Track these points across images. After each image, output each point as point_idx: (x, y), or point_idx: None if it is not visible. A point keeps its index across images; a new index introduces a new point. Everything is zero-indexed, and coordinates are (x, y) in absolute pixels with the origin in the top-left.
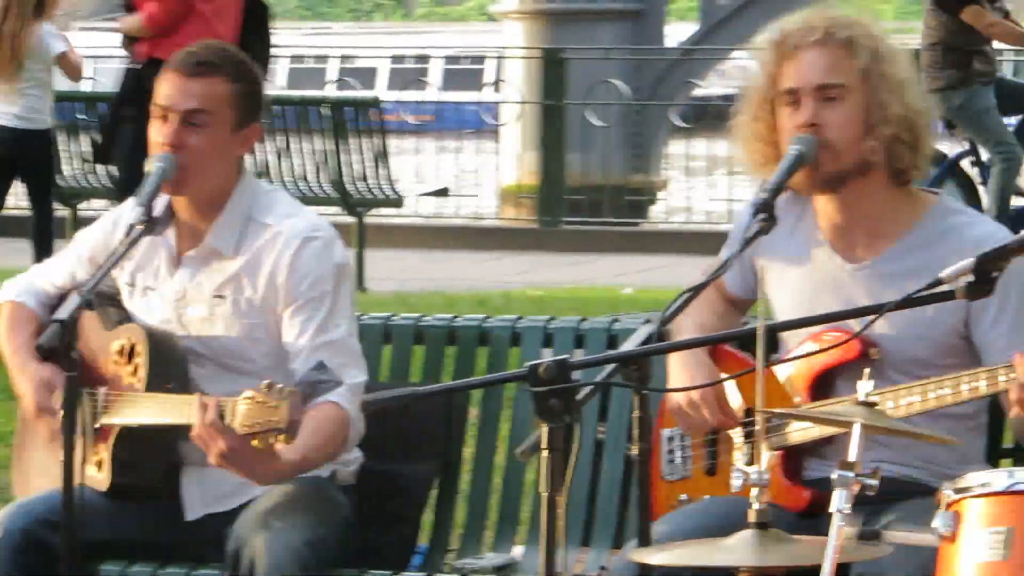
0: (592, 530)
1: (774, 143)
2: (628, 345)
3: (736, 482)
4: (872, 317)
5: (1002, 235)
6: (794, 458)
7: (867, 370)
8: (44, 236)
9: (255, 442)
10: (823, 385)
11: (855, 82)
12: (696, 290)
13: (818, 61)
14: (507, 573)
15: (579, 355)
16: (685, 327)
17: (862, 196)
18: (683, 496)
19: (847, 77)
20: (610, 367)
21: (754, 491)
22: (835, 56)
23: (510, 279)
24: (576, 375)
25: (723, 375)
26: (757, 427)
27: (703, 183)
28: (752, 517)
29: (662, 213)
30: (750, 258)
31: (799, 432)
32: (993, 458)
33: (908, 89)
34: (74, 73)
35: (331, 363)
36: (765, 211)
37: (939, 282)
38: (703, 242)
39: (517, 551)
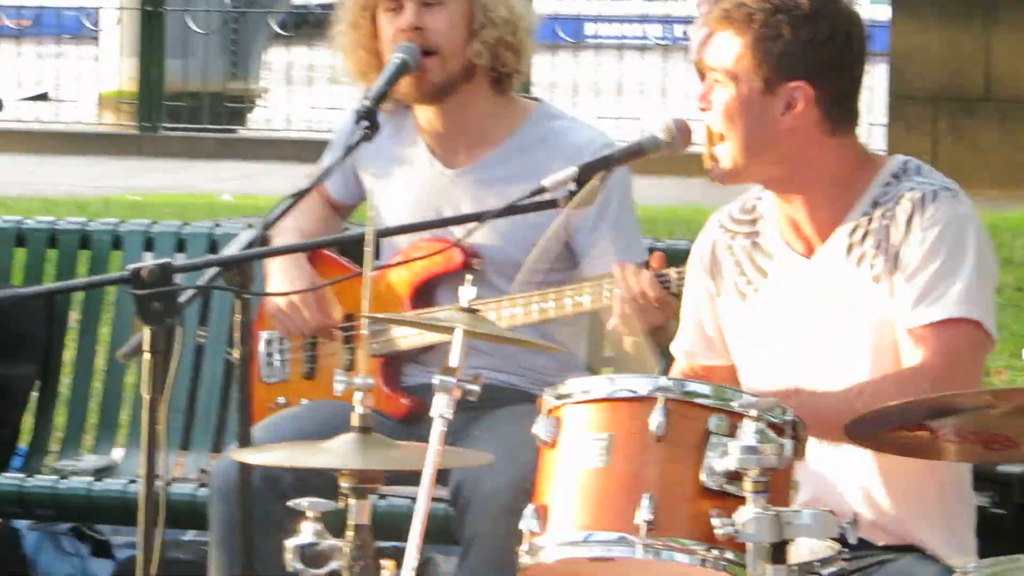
0: (192, 434)
1: (376, 51)
2: (230, 249)
3: (339, 387)
4: (473, 225)
5: (602, 141)
6: (393, 365)
7: (469, 277)
8: None
9: None
10: (425, 294)
11: None
12: (298, 196)
13: None
14: (107, 475)
15: (181, 259)
16: (287, 232)
17: (465, 103)
18: (281, 399)
19: None
20: (212, 271)
21: (358, 395)
22: None
23: (110, 184)
24: (178, 279)
25: (325, 280)
26: (361, 331)
27: (303, 92)
28: (355, 421)
29: (262, 121)
30: (353, 165)
31: (402, 340)
32: (595, 366)
33: None
34: None
35: None
36: (368, 118)
37: (542, 190)
38: (302, 149)
39: (117, 453)
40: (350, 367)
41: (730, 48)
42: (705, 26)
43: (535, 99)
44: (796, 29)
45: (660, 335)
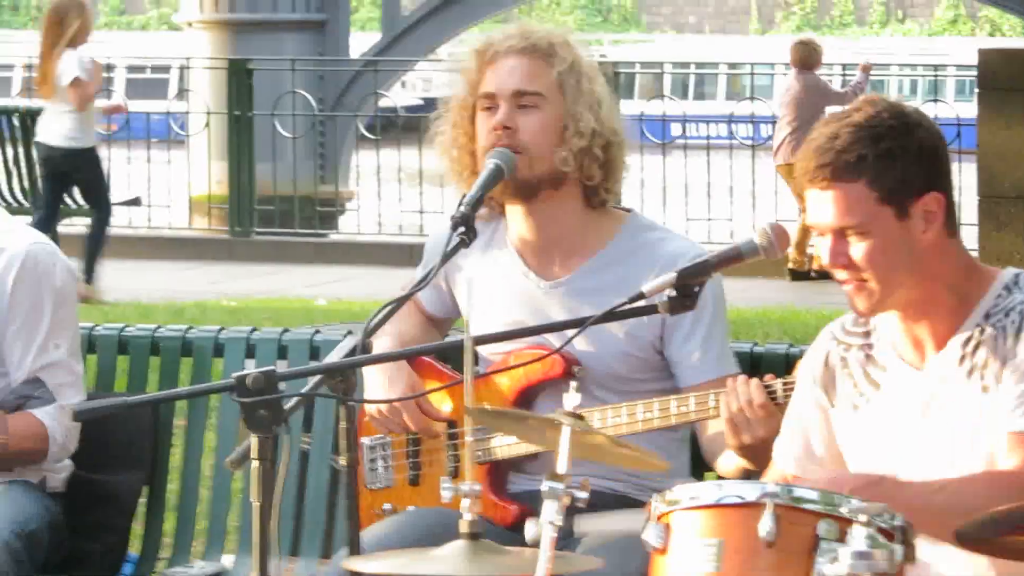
0: (300, 540)
1: (473, 152)
2: (333, 357)
3: (446, 494)
4: (574, 332)
5: (695, 252)
6: (498, 472)
7: (573, 383)
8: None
9: None
10: (526, 402)
11: (552, 91)
12: (399, 302)
13: (517, 68)
14: None
15: (283, 366)
16: (385, 337)
17: (555, 213)
18: (387, 505)
19: (544, 86)
20: (316, 378)
21: (465, 502)
22: (534, 65)
23: (204, 289)
24: (283, 386)
25: (424, 384)
26: (467, 436)
27: (393, 194)
28: (464, 528)
29: (352, 224)
30: (445, 278)
31: (504, 447)
32: (698, 471)
33: (603, 105)
34: (79, 102)
35: (50, 382)
36: (464, 224)
37: (641, 296)
38: (393, 253)
39: (227, 560)
40: (455, 474)
41: (848, 201)
42: (807, 189)
43: (627, 209)
44: (903, 144)
45: (760, 452)
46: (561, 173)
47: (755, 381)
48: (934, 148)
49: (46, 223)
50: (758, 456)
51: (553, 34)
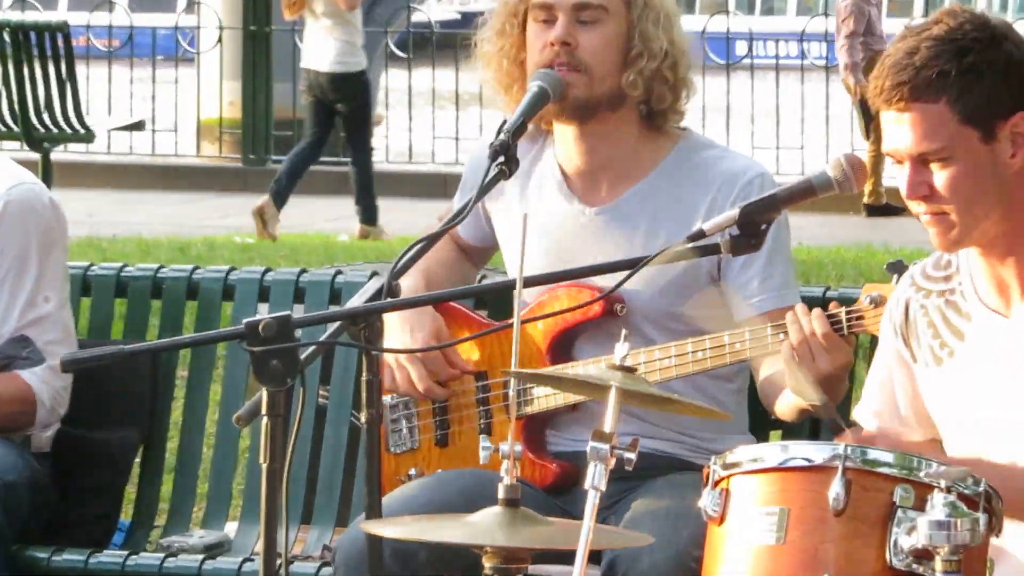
0: (314, 507)
1: (521, 63)
2: (355, 301)
3: (484, 454)
4: (626, 274)
5: (757, 171)
6: (535, 428)
7: (624, 331)
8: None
9: None
10: (565, 345)
11: (616, 4)
12: (429, 240)
13: None
14: (218, 552)
15: (299, 312)
16: (412, 276)
17: (610, 134)
18: (412, 471)
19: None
20: (335, 325)
21: (505, 464)
22: None
23: (214, 224)
24: (298, 333)
25: (453, 335)
26: (513, 389)
27: (425, 119)
28: (502, 493)
29: (381, 152)
30: (483, 203)
31: (542, 399)
32: (760, 429)
33: (674, 24)
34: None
35: (39, 340)
36: (505, 154)
37: (701, 233)
38: (425, 184)
39: (230, 528)
40: (488, 431)
41: (929, 123)
42: (882, 111)
43: (682, 129)
44: (987, 62)
45: (832, 387)
46: (624, 95)
47: (817, 310)
48: (1023, 63)
49: (311, 155)
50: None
51: None
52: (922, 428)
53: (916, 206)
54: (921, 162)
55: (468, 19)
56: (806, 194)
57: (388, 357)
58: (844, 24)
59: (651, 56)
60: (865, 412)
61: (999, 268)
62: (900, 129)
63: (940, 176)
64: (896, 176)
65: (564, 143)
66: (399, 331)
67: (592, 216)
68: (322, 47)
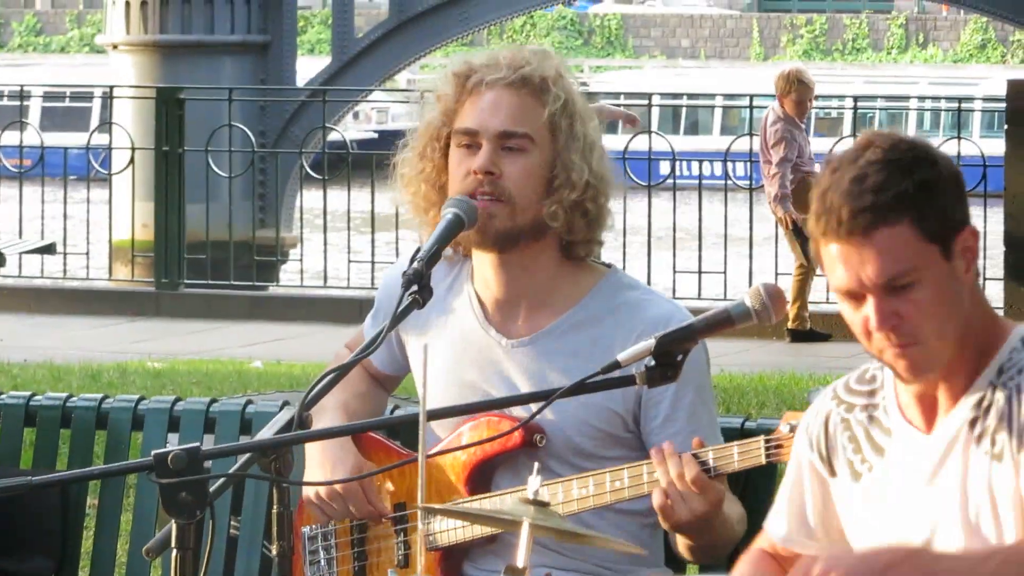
0: None
1: (442, 187)
2: (266, 432)
3: None
4: (541, 404)
5: (680, 317)
6: (454, 559)
7: (536, 464)
8: None
9: None
10: (482, 476)
11: (542, 134)
12: (342, 370)
13: (504, 105)
14: None
15: (209, 442)
16: (327, 409)
17: (529, 265)
18: None
19: (534, 128)
20: (246, 457)
21: None
22: (524, 102)
23: (126, 348)
24: (208, 465)
25: (371, 466)
26: (419, 524)
27: (340, 242)
28: None
29: (294, 276)
30: (396, 332)
31: (457, 531)
32: (676, 560)
33: (595, 151)
34: None
35: None
36: (419, 283)
37: (616, 365)
38: (341, 309)
39: None
40: (405, 563)
41: (895, 245)
42: (833, 246)
43: (607, 265)
44: (937, 177)
45: (718, 534)
46: (545, 227)
47: (687, 455)
48: (958, 176)
49: None
50: (701, 532)
51: (546, 66)
52: (828, 540)
53: (881, 341)
54: (888, 290)
55: (385, 138)
56: (723, 324)
57: (308, 492)
58: (774, 151)
59: (572, 187)
60: (772, 528)
61: (927, 387)
62: (861, 260)
63: (910, 301)
64: (850, 316)
65: (482, 270)
66: (319, 467)
67: (508, 348)
68: None
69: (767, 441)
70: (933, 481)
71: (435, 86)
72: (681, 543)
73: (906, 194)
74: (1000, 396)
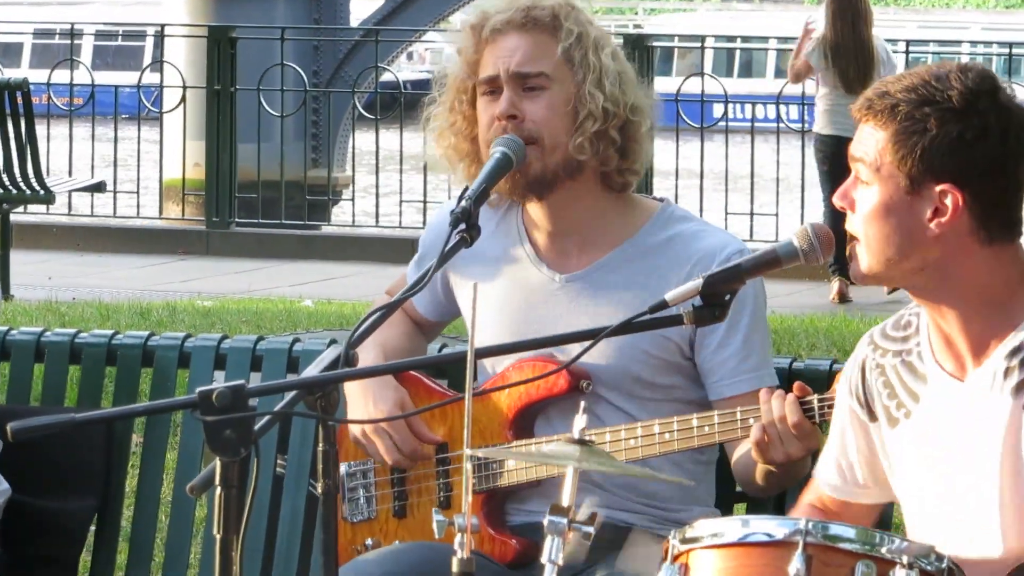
0: (272, 574)
1: (472, 137)
2: (312, 370)
3: (438, 527)
4: (584, 346)
5: (735, 247)
6: (496, 502)
7: (582, 403)
8: None
9: None
10: (528, 420)
11: (559, 70)
12: (389, 308)
13: (519, 47)
14: None
15: (256, 380)
16: (370, 347)
17: (573, 201)
18: (369, 541)
19: (550, 65)
20: (291, 394)
21: (459, 537)
22: (537, 41)
23: (175, 287)
24: (253, 403)
25: (415, 404)
26: (465, 465)
27: (393, 182)
28: (455, 567)
29: (346, 215)
30: (444, 273)
31: (503, 475)
32: (725, 501)
33: (618, 79)
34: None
35: None
36: (467, 221)
37: (664, 304)
38: (392, 248)
39: None
40: (447, 504)
41: (872, 141)
42: (851, 116)
43: (660, 199)
44: (944, 124)
45: (796, 469)
46: (577, 162)
47: (791, 397)
48: (982, 143)
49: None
50: (790, 474)
51: (556, 2)
52: (877, 488)
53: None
54: (857, 175)
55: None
56: (771, 264)
57: (354, 429)
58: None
59: (592, 117)
60: (821, 476)
61: (951, 334)
62: (857, 137)
63: (861, 196)
64: None
65: (531, 209)
66: (361, 403)
67: (562, 283)
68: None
69: None
70: (971, 429)
71: (455, 38)
72: (760, 472)
73: (896, 111)
74: None
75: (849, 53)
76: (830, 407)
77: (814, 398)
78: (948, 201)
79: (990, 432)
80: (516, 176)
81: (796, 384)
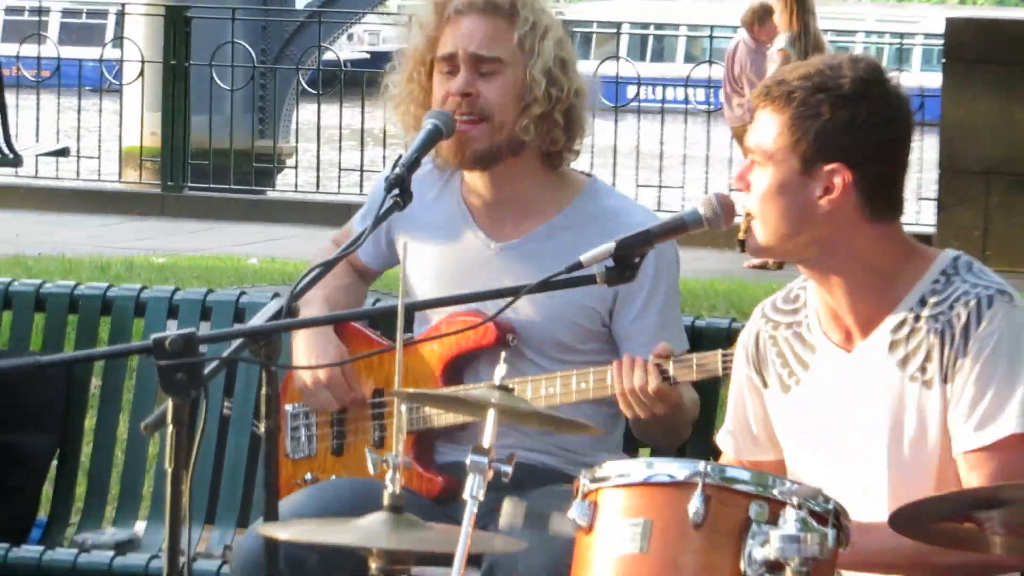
0: (217, 508)
1: (427, 107)
2: (257, 320)
3: (371, 465)
4: (507, 301)
5: (654, 223)
6: (425, 442)
7: (503, 354)
8: None
9: None
10: (457, 369)
11: (513, 55)
12: (328, 265)
13: (478, 30)
14: (128, 549)
15: (206, 328)
16: (313, 300)
17: (513, 175)
18: (308, 475)
19: (505, 50)
20: (237, 342)
21: (390, 474)
22: (495, 26)
23: (132, 245)
24: (203, 349)
25: (353, 354)
26: (396, 408)
27: (333, 152)
28: (386, 500)
29: (290, 182)
30: (388, 228)
31: (434, 417)
32: (632, 447)
33: (565, 66)
34: None
35: None
36: (400, 186)
37: (579, 265)
38: (331, 213)
39: (139, 527)
40: (380, 444)
41: (769, 127)
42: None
43: (587, 174)
44: (836, 109)
45: (672, 419)
46: (521, 142)
47: (650, 365)
48: (870, 127)
49: None
50: (660, 423)
51: None
52: (773, 449)
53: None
54: (752, 161)
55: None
56: (678, 230)
57: (300, 380)
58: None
59: (537, 101)
60: (725, 440)
61: (828, 298)
62: (753, 126)
63: (757, 177)
64: None
65: (473, 179)
66: (304, 357)
67: (497, 250)
68: None
69: (724, 355)
70: (860, 397)
71: (418, 14)
72: (640, 429)
73: (792, 98)
74: (924, 325)
75: (809, 44)
76: (687, 366)
77: (670, 362)
78: (837, 180)
79: (878, 401)
80: (459, 148)
81: (661, 345)
